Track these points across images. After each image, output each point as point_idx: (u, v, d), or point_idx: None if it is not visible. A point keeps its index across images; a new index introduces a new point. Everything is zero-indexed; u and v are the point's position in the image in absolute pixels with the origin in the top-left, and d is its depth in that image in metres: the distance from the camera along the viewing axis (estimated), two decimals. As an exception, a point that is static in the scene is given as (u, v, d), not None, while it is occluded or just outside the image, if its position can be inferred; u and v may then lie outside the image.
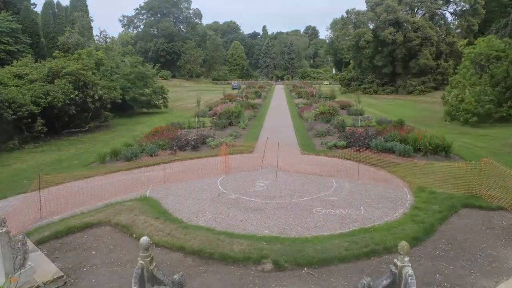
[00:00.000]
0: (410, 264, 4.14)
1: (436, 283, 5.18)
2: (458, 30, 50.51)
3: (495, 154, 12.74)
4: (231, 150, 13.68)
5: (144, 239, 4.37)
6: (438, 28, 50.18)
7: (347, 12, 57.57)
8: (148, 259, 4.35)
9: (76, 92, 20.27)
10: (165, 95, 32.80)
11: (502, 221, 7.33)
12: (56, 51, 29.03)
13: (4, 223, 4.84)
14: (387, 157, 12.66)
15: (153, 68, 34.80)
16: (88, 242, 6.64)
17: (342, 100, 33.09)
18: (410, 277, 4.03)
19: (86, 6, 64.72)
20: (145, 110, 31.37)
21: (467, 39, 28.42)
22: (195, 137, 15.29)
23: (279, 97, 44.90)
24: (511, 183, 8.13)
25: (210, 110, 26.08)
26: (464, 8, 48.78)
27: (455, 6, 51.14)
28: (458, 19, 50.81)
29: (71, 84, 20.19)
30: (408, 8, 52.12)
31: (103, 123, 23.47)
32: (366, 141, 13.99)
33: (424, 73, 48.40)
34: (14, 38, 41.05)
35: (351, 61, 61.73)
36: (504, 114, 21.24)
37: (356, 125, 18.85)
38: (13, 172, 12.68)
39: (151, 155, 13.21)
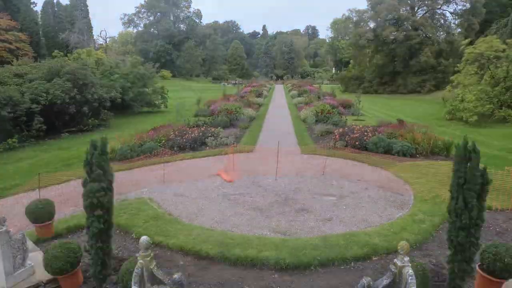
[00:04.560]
0: (410, 264, 4.15)
1: (435, 284, 5.18)
2: (459, 30, 50.54)
3: (494, 155, 12.75)
4: (231, 150, 13.68)
5: (144, 239, 4.37)
6: (438, 27, 50.21)
7: (348, 11, 57.62)
8: (148, 258, 4.36)
9: (76, 91, 20.26)
10: (165, 95, 32.78)
11: (504, 223, 7.33)
12: (56, 51, 29.00)
13: (4, 222, 4.84)
14: (387, 157, 12.66)
15: (153, 67, 34.81)
16: (88, 242, 6.62)
17: (342, 99, 33.06)
18: (410, 277, 4.03)
19: (87, 6, 64.67)
20: (145, 109, 31.36)
21: (468, 39, 28.39)
22: (194, 137, 15.28)
23: (279, 97, 44.89)
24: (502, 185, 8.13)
25: (210, 109, 26.06)
26: (465, 8, 48.80)
27: (455, 6, 51.21)
28: (458, 18, 50.83)
29: (70, 83, 20.18)
30: (408, 8, 52.16)
31: (103, 122, 23.46)
32: (365, 139, 13.99)
33: (424, 71, 48.38)
34: (13, 37, 41.04)
35: (351, 60, 61.72)
36: (504, 115, 21.26)
37: (356, 124, 18.84)
38: (13, 171, 12.68)
39: (150, 154, 13.21)
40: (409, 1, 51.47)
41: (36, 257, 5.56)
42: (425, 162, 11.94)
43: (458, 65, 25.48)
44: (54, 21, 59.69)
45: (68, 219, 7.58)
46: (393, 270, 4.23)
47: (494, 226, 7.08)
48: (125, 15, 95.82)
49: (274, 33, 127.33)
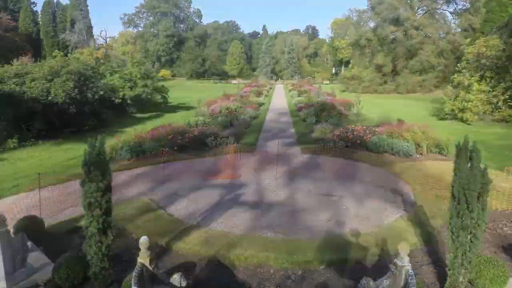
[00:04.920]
0: (410, 264, 4.14)
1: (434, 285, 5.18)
2: (459, 30, 50.55)
3: (493, 155, 12.74)
4: (231, 150, 13.67)
5: (144, 239, 4.37)
6: (438, 27, 50.25)
7: (348, 10, 57.75)
8: (148, 258, 4.35)
9: (76, 91, 20.26)
10: (166, 95, 32.79)
11: (505, 224, 7.32)
12: (56, 51, 29.03)
13: (4, 222, 4.83)
14: (387, 156, 12.65)
15: (153, 67, 34.80)
16: (87, 242, 6.62)
17: (342, 99, 33.02)
18: (410, 277, 4.03)
19: (87, 5, 64.63)
20: (145, 109, 31.36)
21: (469, 39, 28.37)
22: (195, 137, 15.26)
23: (279, 96, 44.87)
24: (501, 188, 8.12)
25: (210, 109, 26.04)
26: (465, 8, 48.84)
27: (455, 6, 51.25)
28: (458, 18, 50.86)
29: (71, 83, 20.17)
30: (408, 7, 52.18)
31: (103, 122, 23.44)
32: (365, 139, 13.98)
33: (425, 71, 48.36)
34: (13, 37, 41.05)
35: (351, 60, 61.70)
36: (504, 115, 21.26)
37: (356, 124, 18.83)
38: (13, 171, 12.67)
39: (150, 154, 13.20)
40: (409, 1, 51.51)
41: (36, 257, 5.56)
42: (425, 162, 11.94)
43: (458, 65, 25.46)
44: (54, 21, 59.71)
45: (68, 219, 7.57)
46: (393, 270, 4.23)
47: (493, 226, 7.07)
48: (125, 15, 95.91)
49: (274, 33, 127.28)
